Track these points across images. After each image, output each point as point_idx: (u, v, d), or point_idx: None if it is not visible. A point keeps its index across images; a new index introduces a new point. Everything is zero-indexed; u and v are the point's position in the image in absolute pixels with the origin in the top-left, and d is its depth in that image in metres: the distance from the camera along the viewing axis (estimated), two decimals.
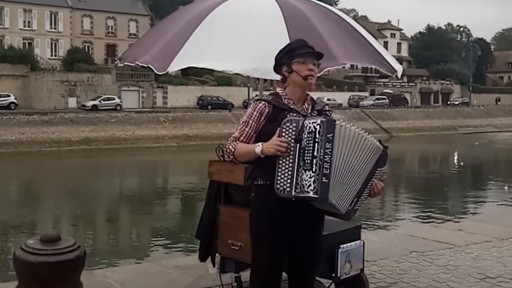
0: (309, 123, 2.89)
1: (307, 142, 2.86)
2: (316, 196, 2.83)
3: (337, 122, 2.91)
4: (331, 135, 2.86)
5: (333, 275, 3.96)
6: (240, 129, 3.09)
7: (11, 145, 36.75)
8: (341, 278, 3.98)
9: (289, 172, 2.88)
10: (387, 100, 63.35)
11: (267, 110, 3.06)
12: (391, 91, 68.82)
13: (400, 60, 66.16)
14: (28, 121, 39.54)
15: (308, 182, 2.84)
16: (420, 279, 4.88)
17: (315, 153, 2.84)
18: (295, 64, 3.09)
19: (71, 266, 2.62)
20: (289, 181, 2.88)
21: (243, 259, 3.95)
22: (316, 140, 2.85)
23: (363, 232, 4.45)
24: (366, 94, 66.57)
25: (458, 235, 6.52)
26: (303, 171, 2.86)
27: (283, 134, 2.91)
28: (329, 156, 2.84)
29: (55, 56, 58.84)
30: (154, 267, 5.32)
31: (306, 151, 2.86)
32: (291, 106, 3.10)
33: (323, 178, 2.83)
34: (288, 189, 2.88)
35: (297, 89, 3.13)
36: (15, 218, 17.38)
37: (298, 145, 2.87)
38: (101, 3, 61.24)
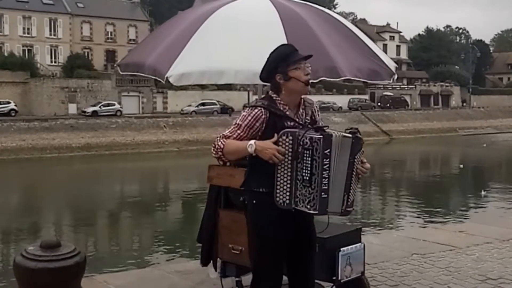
0: (306, 138, 2.87)
1: (305, 158, 2.87)
2: (316, 212, 2.90)
3: (333, 137, 2.91)
4: (328, 150, 2.88)
5: (334, 278, 3.96)
6: (231, 129, 3.01)
7: (12, 152, 36.78)
8: (342, 281, 3.97)
9: (288, 185, 2.91)
10: (217, 106, 52.18)
11: (263, 117, 2.98)
12: (391, 94, 68.87)
13: (399, 62, 66.42)
14: (29, 127, 39.59)
15: (308, 198, 2.88)
16: (421, 281, 4.88)
17: (313, 171, 2.86)
18: (292, 71, 3.01)
19: (71, 272, 2.62)
20: (288, 193, 2.92)
21: (243, 263, 3.94)
22: (314, 157, 2.86)
23: (364, 235, 4.45)
24: (366, 97, 66.61)
25: (459, 237, 6.51)
26: (302, 187, 2.89)
27: (280, 145, 2.90)
28: (327, 171, 2.88)
29: (55, 62, 58.87)
30: (155, 272, 5.32)
31: (304, 168, 2.87)
32: (287, 113, 3.04)
33: (322, 193, 2.88)
34: (287, 201, 2.93)
35: (294, 96, 3.08)
36: (16, 225, 17.40)
37: (295, 161, 2.88)
38: (100, 9, 61.32)
